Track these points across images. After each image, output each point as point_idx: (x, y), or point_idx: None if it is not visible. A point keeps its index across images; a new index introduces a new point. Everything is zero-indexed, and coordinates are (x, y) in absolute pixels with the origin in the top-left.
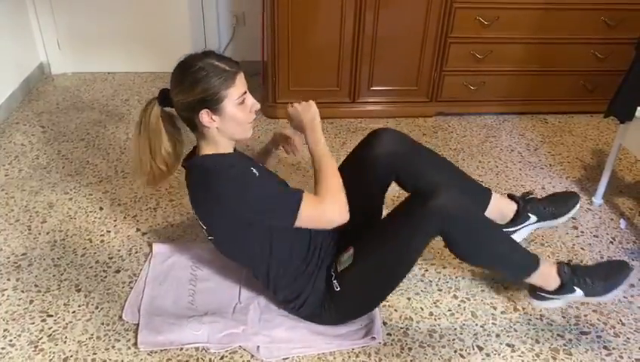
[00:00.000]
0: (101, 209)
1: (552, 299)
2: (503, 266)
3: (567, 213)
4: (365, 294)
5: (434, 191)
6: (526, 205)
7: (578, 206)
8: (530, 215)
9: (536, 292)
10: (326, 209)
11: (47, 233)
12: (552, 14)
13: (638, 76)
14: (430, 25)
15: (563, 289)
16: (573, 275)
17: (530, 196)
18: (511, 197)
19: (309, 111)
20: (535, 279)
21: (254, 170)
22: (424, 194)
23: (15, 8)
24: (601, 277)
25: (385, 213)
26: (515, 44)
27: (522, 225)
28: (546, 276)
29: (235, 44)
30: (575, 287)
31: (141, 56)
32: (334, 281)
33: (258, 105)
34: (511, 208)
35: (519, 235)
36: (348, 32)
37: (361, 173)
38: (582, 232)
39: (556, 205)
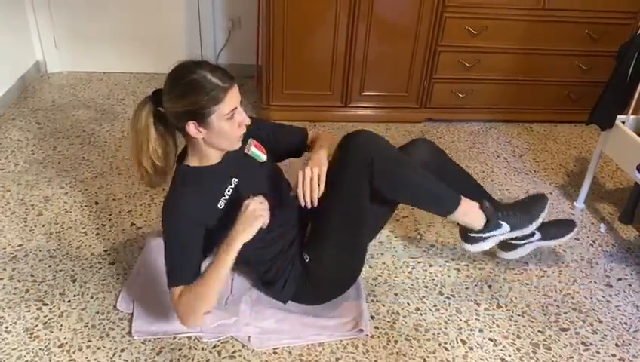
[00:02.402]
0: (96, 203)
1: (482, 238)
2: (426, 201)
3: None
4: (333, 258)
5: (353, 134)
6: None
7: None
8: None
9: (466, 234)
10: (184, 309)
11: (43, 225)
12: (539, 26)
13: (618, 86)
14: (421, 33)
15: (489, 225)
16: (496, 210)
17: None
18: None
19: (253, 211)
20: (460, 216)
21: (220, 203)
22: (346, 142)
23: (13, 6)
24: (523, 210)
25: None
26: (502, 54)
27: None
28: (470, 213)
29: (231, 47)
30: (501, 222)
31: (137, 57)
32: (304, 254)
33: (248, 121)
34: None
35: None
36: (341, 38)
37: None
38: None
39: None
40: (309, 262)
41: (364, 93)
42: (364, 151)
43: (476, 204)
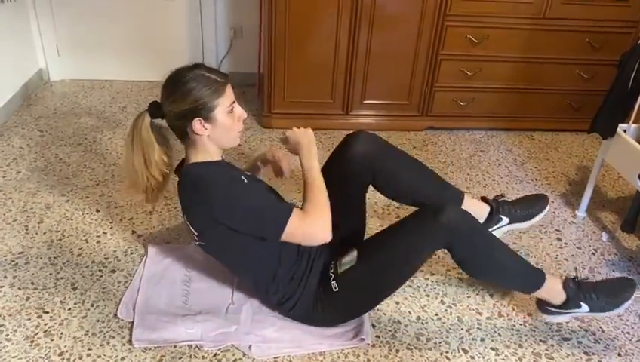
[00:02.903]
0: (97, 211)
1: (559, 312)
2: (509, 282)
3: (538, 214)
4: (361, 297)
5: (442, 207)
6: (498, 207)
7: (548, 208)
8: (502, 217)
9: (543, 306)
10: (312, 226)
11: (44, 233)
12: (540, 35)
13: (619, 94)
14: (422, 42)
15: (569, 303)
16: (578, 291)
17: (502, 199)
18: (484, 199)
19: (305, 136)
20: (541, 293)
21: (244, 178)
22: (433, 208)
23: (16, 15)
24: (607, 293)
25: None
26: (503, 63)
27: (495, 227)
28: (552, 290)
29: (232, 56)
30: (581, 303)
31: (139, 65)
32: (332, 282)
33: (245, 115)
34: (483, 210)
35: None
36: (342, 46)
37: (340, 174)
38: (565, 244)
39: (527, 207)
40: (337, 292)
41: (365, 101)
42: (450, 228)
43: (559, 281)
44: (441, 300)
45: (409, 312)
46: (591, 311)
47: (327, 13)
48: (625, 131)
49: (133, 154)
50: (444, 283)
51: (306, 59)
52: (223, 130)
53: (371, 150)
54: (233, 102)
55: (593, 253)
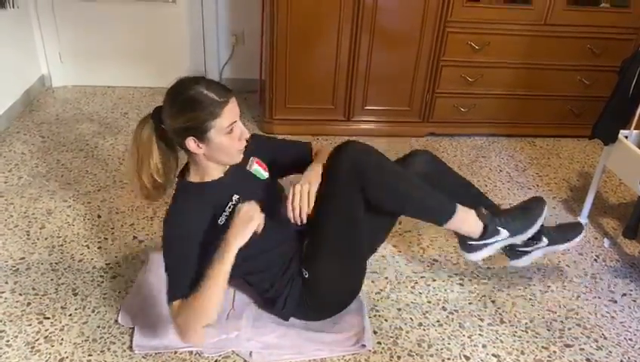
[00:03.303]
0: (99, 217)
1: (482, 245)
2: (420, 210)
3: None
4: (332, 273)
5: (343, 145)
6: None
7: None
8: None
9: (466, 243)
10: (182, 323)
11: (46, 238)
12: (541, 41)
13: (620, 101)
14: (423, 48)
15: (488, 231)
16: (494, 216)
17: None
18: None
19: (249, 212)
20: (457, 225)
21: (222, 218)
22: (336, 153)
23: (19, 22)
24: (520, 215)
25: None
26: (504, 69)
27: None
28: (468, 220)
29: (234, 62)
30: (499, 228)
31: (141, 71)
32: (303, 270)
33: (247, 134)
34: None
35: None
36: (344, 52)
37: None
38: (567, 250)
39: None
40: (308, 278)
41: (366, 107)
42: (354, 161)
43: (472, 212)
44: (443, 306)
45: (410, 318)
46: (510, 235)
47: (328, 19)
48: (626, 137)
49: (130, 156)
50: (445, 290)
51: (308, 66)
52: (219, 150)
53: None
54: (234, 122)
55: (595, 260)
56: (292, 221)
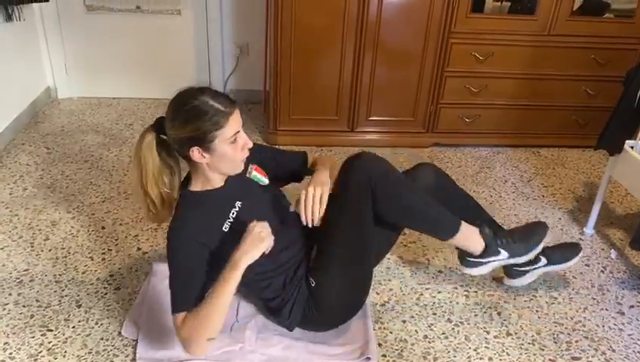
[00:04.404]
0: (103, 228)
1: (480, 263)
2: (425, 225)
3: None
4: (339, 283)
5: (356, 156)
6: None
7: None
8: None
9: (465, 257)
10: (187, 336)
11: (50, 250)
12: (545, 52)
13: (625, 111)
14: (427, 59)
15: (488, 251)
16: (495, 236)
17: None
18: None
19: (259, 233)
20: (460, 241)
21: (226, 226)
22: (348, 162)
23: (26, 34)
24: (522, 238)
25: None
26: (509, 79)
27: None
28: (470, 238)
29: (239, 73)
30: (499, 249)
31: (146, 83)
32: (310, 278)
33: (250, 144)
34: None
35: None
36: (348, 63)
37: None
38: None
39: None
40: (315, 287)
41: (370, 118)
42: (367, 173)
43: (476, 230)
44: (448, 318)
45: (415, 331)
46: (510, 256)
47: (332, 30)
48: (632, 148)
49: (134, 169)
50: (450, 301)
51: (312, 77)
52: (223, 160)
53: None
54: (237, 132)
55: (602, 271)
56: (304, 223)
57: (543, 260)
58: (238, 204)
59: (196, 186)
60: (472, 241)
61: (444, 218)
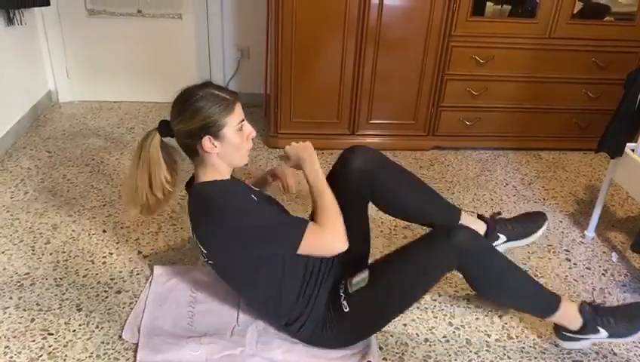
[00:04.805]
0: (104, 231)
1: (577, 338)
2: (522, 305)
3: (535, 232)
4: (372, 317)
5: (454, 229)
6: (495, 225)
7: (546, 226)
8: (499, 235)
9: (560, 331)
10: (327, 237)
11: (51, 254)
12: (546, 55)
13: (626, 114)
14: (428, 62)
15: (586, 328)
16: (596, 315)
17: (499, 216)
18: (480, 217)
19: (306, 150)
20: (557, 318)
21: (253, 196)
22: (445, 230)
23: (27, 37)
24: (625, 318)
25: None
26: (509, 82)
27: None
28: (568, 315)
29: (239, 77)
30: (599, 328)
31: (147, 87)
32: (343, 302)
33: (254, 133)
34: (480, 228)
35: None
36: (348, 67)
37: (338, 191)
38: (575, 264)
39: (524, 225)
40: (348, 312)
41: (371, 121)
42: (459, 250)
43: (575, 307)
44: (449, 322)
45: (417, 334)
46: (610, 336)
47: (333, 34)
48: (633, 150)
49: (137, 172)
50: (452, 305)
51: (313, 80)
52: (232, 148)
53: (368, 166)
54: (242, 120)
55: (603, 274)
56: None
57: (502, 237)
58: (253, 196)
59: (206, 179)
60: (570, 319)
61: (543, 296)
